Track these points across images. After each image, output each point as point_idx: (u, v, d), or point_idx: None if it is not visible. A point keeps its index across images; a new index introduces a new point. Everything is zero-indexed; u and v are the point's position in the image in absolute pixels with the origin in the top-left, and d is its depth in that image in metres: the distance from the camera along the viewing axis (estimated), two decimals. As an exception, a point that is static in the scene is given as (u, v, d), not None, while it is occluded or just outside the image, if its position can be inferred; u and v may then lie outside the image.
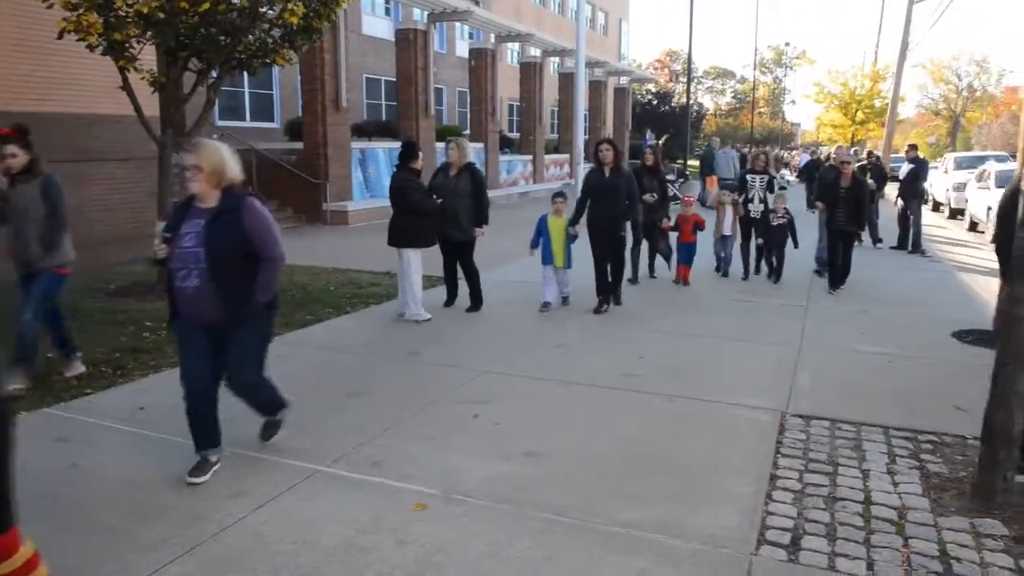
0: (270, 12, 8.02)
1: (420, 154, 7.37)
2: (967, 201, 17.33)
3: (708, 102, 68.95)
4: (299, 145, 16.38)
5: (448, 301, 7.91)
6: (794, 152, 45.21)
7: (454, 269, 7.86)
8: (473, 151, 20.32)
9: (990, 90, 63.37)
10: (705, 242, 9.79)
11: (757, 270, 9.75)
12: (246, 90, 19.50)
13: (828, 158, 13.23)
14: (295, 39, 8.27)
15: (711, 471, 3.98)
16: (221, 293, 3.62)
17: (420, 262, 7.30)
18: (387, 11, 25.38)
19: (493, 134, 22.97)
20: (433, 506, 3.56)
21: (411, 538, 3.27)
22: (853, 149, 26.71)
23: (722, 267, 9.90)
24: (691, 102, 38.59)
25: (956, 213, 18.85)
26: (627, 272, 8.99)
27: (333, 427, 4.56)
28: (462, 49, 28.06)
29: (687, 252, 9.26)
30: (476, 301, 7.75)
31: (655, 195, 8.83)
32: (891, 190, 13.79)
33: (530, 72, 25.76)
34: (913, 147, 14.05)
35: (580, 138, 17.37)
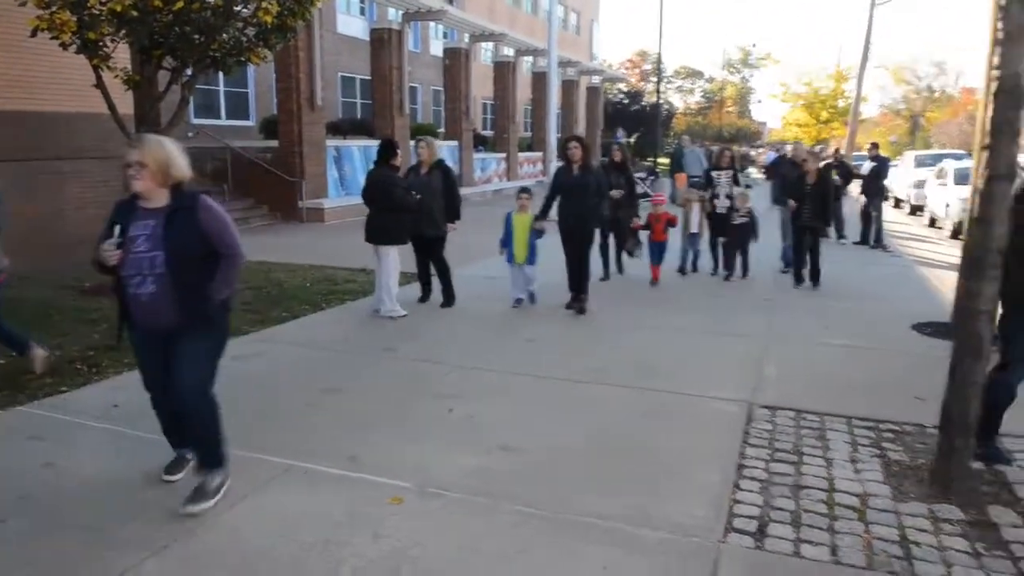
0: (244, 10, 7.99)
1: (399, 152, 7.42)
2: (927, 198, 17.68)
3: (678, 101, 69.28)
4: (274, 143, 16.34)
5: (423, 297, 7.96)
6: (761, 150, 45.61)
7: (427, 265, 7.92)
8: (447, 149, 20.43)
9: (948, 90, 64.43)
10: (675, 240, 9.83)
11: (726, 267, 9.74)
12: (221, 88, 19.36)
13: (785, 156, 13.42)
14: (269, 38, 8.25)
15: (680, 462, 4.07)
16: (179, 297, 3.39)
17: (398, 259, 7.34)
18: (362, 10, 25.29)
19: (467, 132, 23.01)
20: (409, 500, 3.60)
21: (387, 532, 3.30)
22: (819, 147, 27.09)
23: (688, 266, 9.84)
24: (661, 101, 38.85)
25: (916, 209, 19.22)
26: (599, 269, 9.12)
27: (309, 423, 4.58)
28: (436, 48, 28.03)
29: (659, 251, 9.22)
30: (448, 297, 7.81)
31: (621, 191, 8.79)
32: (855, 187, 14.02)
33: (504, 71, 25.81)
34: (875, 145, 14.33)
35: (553, 136, 17.50)
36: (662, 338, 6.71)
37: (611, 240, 9.36)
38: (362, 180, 7.84)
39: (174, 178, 3.45)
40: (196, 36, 7.71)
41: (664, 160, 29.56)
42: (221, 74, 9.94)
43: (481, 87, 28.20)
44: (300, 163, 15.65)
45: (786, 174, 10.52)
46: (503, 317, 7.46)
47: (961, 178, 13.84)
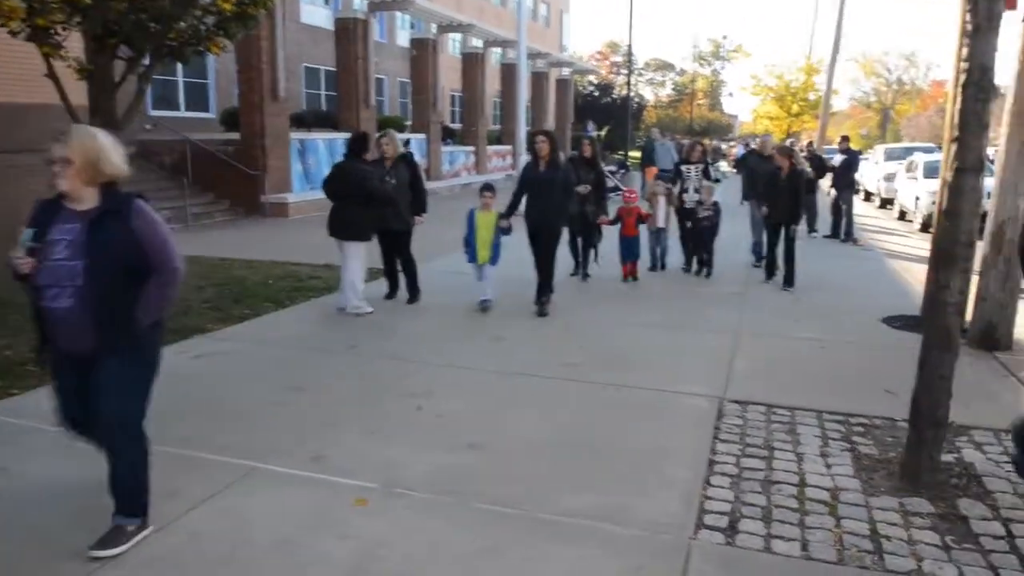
0: (203, -2, 7.79)
1: (371, 146, 7.31)
2: (897, 191, 17.90)
3: (649, 94, 69.64)
4: (236, 136, 16.02)
5: (389, 293, 7.84)
6: (732, 143, 46.00)
7: (393, 260, 7.80)
8: (415, 142, 20.26)
9: (918, 83, 65.62)
10: (644, 236, 9.68)
11: (687, 262, 9.61)
12: (180, 79, 18.93)
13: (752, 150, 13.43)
14: (229, 26, 8.03)
15: (651, 458, 4.03)
16: (100, 316, 2.96)
17: (364, 254, 7.22)
18: (326, 0, 24.97)
19: (435, 125, 22.86)
20: (375, 500, 3.52)
21: (352, 533, 3.23)
22: (790, 140, 27.33)
23: (657, 262, 9.63)
24: (632, 94, 38.96)
25: (886, 203, 19.46)
26: (570, 266, 9.04)
27: (271, 422, 4.48)
28: (403, 39, 27.74)
29: (631, 247, 9.01)
30: (413, 291, 7.71)
31: (588, 187, 8.48)
32: (826, 181, 14.16)
33: (472, 63, 25.68)
34: (845, 139, 14.46)
35: (522, 129, 17.44)
36: (633, 334, 6.68)
37: (579, 239, 9.03)
38: (327, 173, 7.67)
39: (105, 175, 3.02)
40: (152, 24, 7.48)
41: (635, 153, 29.62)
42: (180, 64, 9.68)
43: (449, 79, 28.03)
44: (263, 156, 15.38)
45: (754, 167, 10.53)
46: (471, 313, 7.37)
47: (931, 171, 14.01)
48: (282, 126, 15.99)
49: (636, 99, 48.50)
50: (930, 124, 49.88)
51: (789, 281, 8.65)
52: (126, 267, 2.99)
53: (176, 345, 6.09)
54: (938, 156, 14.26)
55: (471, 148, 25.79)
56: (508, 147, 27.29)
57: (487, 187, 7.63)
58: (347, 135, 7.95)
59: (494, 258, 7.44)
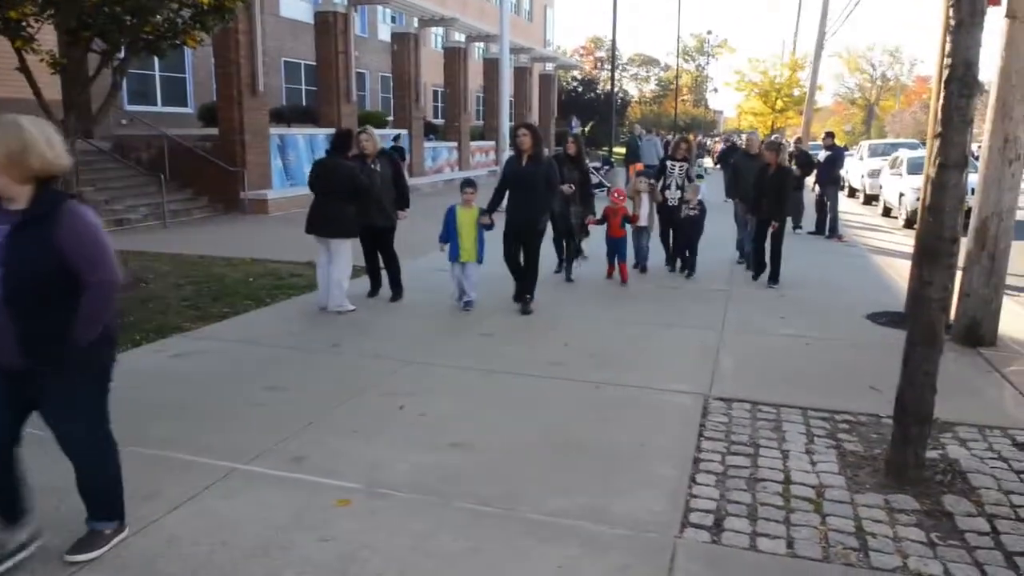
0: (179, -10, 7.69)
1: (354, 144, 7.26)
2: (881, 187, 17.96)
3: (633, 89, 69.81)
4: (214, 131, 15.80)
5: (372, 291, 7.77)
6: (717, 139, 46.14)
7: (376, 258, 7.72)
8: (403, 138, 20.10)
9: (902, 79, 66.21)
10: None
11: (670, 260, 9.49)
12: (157, 73, 18.72)
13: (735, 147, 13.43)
14: (206, 19, 7.94)
15: (636, 456, 4.01)
16: (26, 330, 2.67)
17: (351, 252, 7.14)
18: (306, -7, 24.77)
19: (417, 120, 22.74)
20: (357, 501, 3.47)
21: (334, 535, 3.18)
22: (774, 136, 27.46)
23: (640, 261, 9.42)
24: (616, 89, 38.97)
25: (871, 199, 19.54)
26: (553, 262, 8.98)
27: (252, 423, 4.41)
28: (384, 33, 27.60)
29: (615, 247, 8.79)
30: (396, 289, 7.64)
31: (572, 186, 8.28)
32: (811, 178, 14.19)
33: (454, 57, 25.57)
34: (830, 135, 14.49)
35: (506, 125, 17.36)
36: (617, 331, 6.65)
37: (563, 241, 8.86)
38: (307, 170, 7.59)
39: (36, 171, 2.67)
40: (127, 17, 7.38)
41: (620, 149, 29.63)
42: (156, 58, 9.55)
43: (431, 74, 27.92)
44: (242, 152, 15.19)
45: (738, 164, 10.51)
46: (454, 311, 7.31)
47: (915, 167, 14.08)
48: (261, 121, 15.79)
49: (620, 95, 48.58)
50: (914, 120, 50.33)
51: (774, 278, 8.64)
52: (52, 278, 2.68)
53: (154, 344, 6.01)
54: (922, 152, 14.35)
55: (454, 144, 25.69)
56: (491, 143, 27.23)
57: (468, 183, 7.41)
58: (328, 131, 7.90)
59: (480, 256, 7.31)
